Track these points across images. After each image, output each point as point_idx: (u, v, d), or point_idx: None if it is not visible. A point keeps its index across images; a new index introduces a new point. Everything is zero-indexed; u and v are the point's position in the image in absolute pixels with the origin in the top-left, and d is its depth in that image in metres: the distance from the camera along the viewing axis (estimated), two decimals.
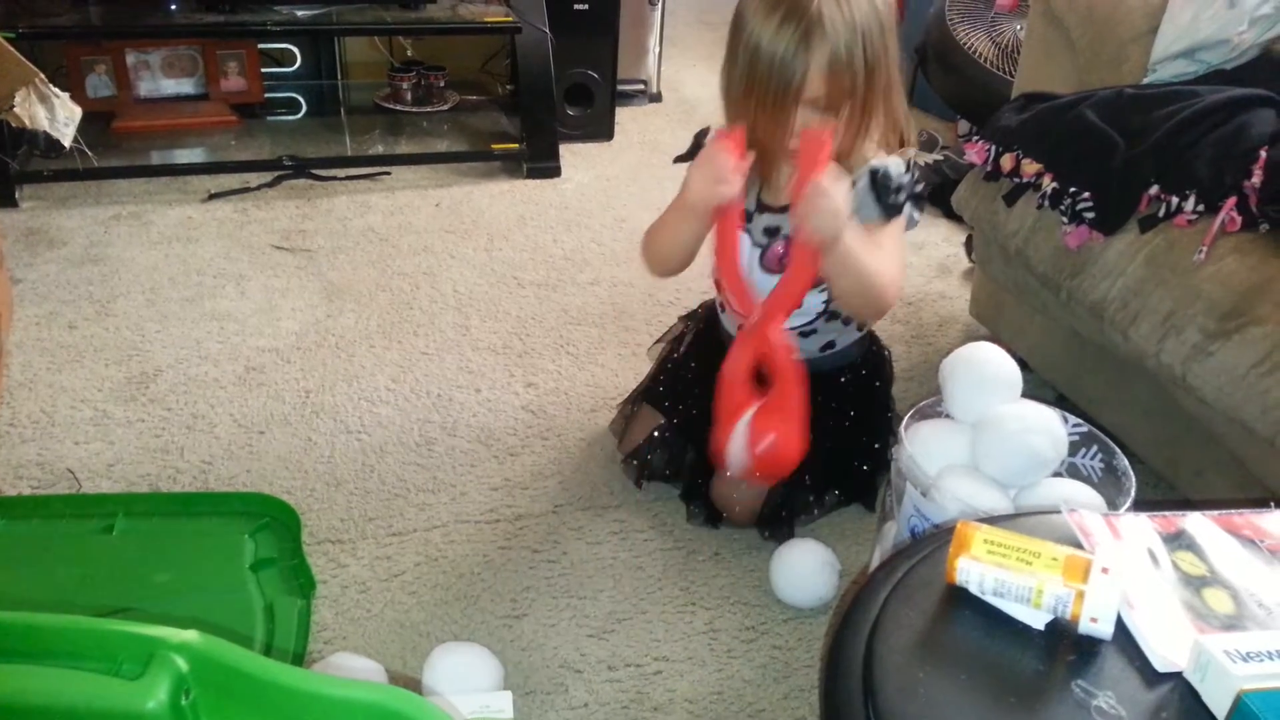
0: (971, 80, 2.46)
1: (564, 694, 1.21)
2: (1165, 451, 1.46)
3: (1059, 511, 0.83)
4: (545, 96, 2.51)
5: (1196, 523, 0.82)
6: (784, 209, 1.35)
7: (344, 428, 1.63)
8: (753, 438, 1.24)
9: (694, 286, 2.07)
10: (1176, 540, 0.80)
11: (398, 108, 2.78)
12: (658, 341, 1.67)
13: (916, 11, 2.80)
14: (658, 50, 3.01)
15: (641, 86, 3.02)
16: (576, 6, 2.60)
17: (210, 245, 2.14)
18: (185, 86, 2.66)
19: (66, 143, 1.42)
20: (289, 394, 1.70)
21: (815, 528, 1.46)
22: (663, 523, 1.48)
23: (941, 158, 2.43)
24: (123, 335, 1.83)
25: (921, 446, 1.20)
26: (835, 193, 1.15)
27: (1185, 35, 1.50)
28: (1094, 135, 1.42)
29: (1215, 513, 0.83)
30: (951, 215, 2.14)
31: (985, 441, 1.17)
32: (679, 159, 1.43)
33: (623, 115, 2.85)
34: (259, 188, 2.38)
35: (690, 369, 1.54)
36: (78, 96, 1.60)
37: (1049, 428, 1.15)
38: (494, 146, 2.57)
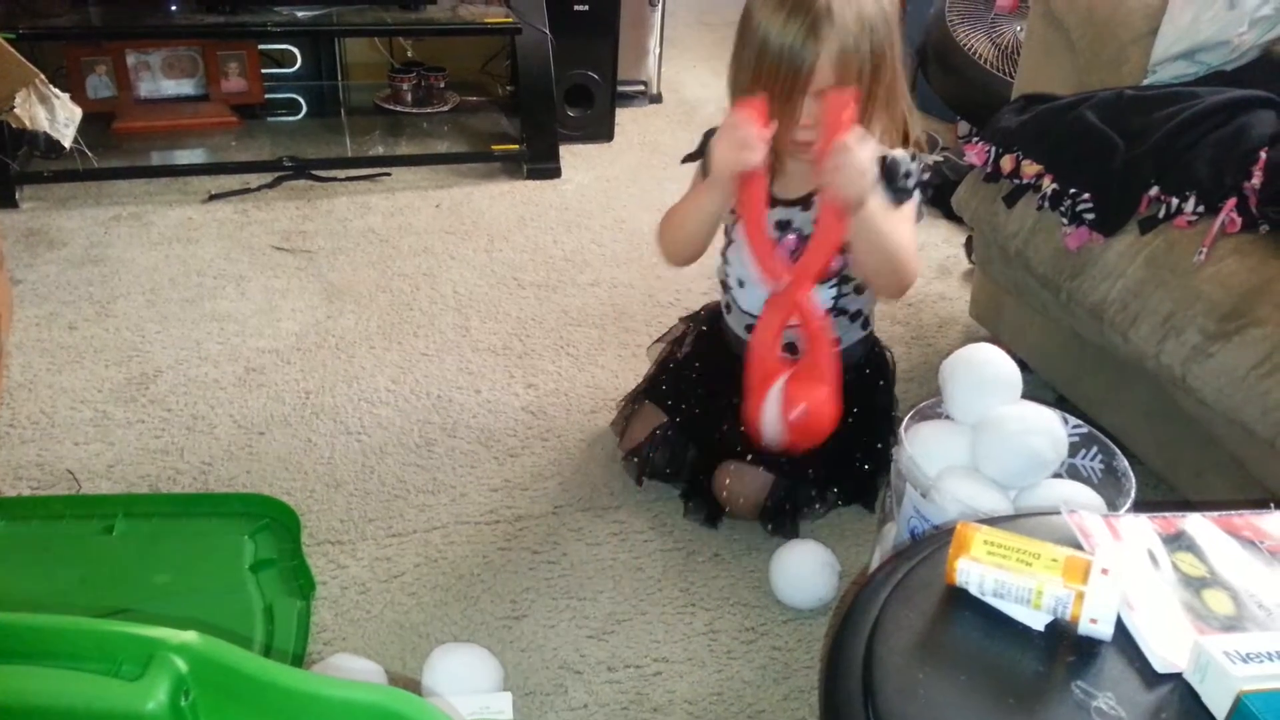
0: (971, 81, 2.46)
1: (563, 695, 1.21)
2: (1165, 453, 1.46)
3: (1059, 512, 0.83)
4: (545, 97, 2.52)
5: (1196, 524, 0.82)
6: (795, 202, 1.35)
7: (344, 429, 1.63)
8: (786, 405, 1.22)
9: (694, 287, 2.07)
10: (1176, 541, 0.80)
11: (398, 109, 2.78)
12: (658, 341, 1.67)
13: (916, 12, 2.80)
14: (658, 51, 3.01)
15: (642, 87, 3.02)
16: (576, 7, 2.60)
17: (210, 246, 2.14)
18: (185, 87, 2.66)
19: (67, 143, 1.42)
20: (289, 395, 1.70)
21: (815, 528, 1.46)
22: (662, 524, 1.47)
23: (941, 159, 2.43)
24: (123, 336, 1.83)
25: (921, 447, 1.20)
26: (861, 151, 1.14)
27: (1185, 37, 1.50)
28: (1094, 136, 1.42)
29: (1215, 514, 0.83)
30: (951, 216, 2.14)
31: (985, 443, 1.17)
32: (687, 158, 1.43)
33: (623, 116, 2.85)
34: (259, 189, 2.38)
35: (693, 369, 1.54)
36: (78, 97, 1.60)
37: (1049, 429, 1.15)
38: (494, 147, 2.57)
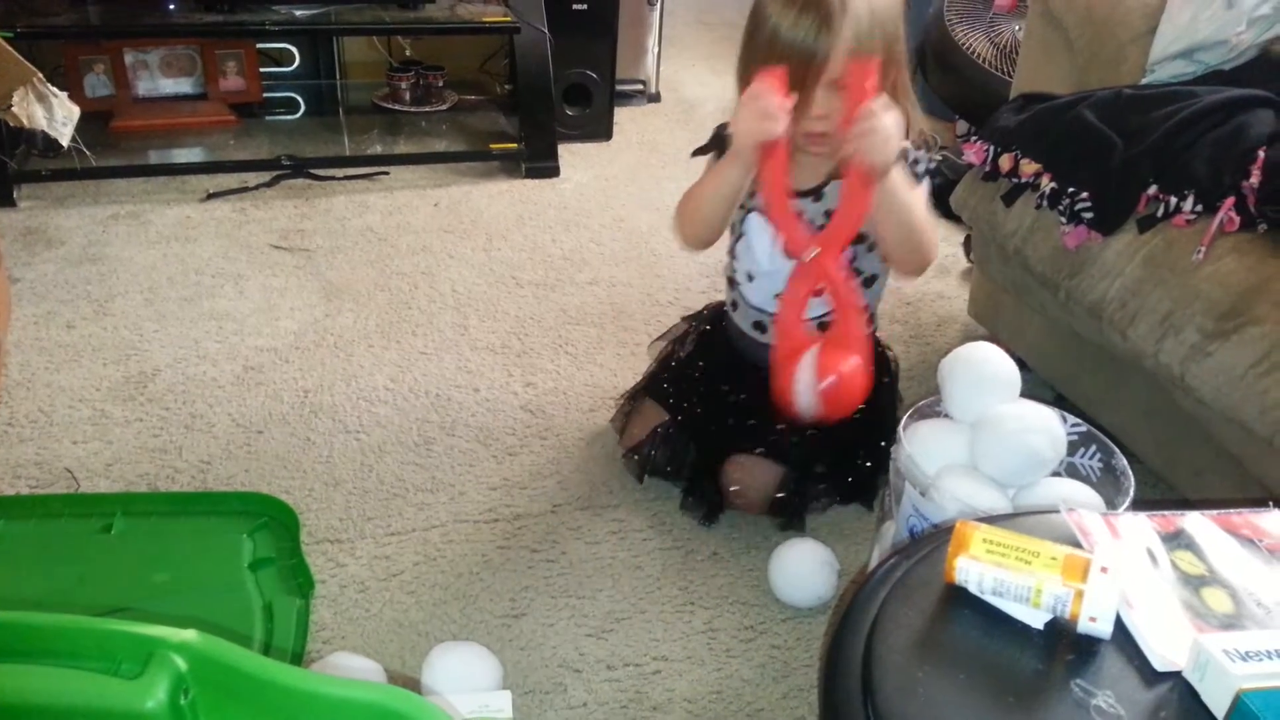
0: (970, 81, 2.46)
1: (563, 693, 1.21)
2: (1164, 451, 1.46)
3: (1058, 511, 0.83)
4: (544, 96, 2.51)
5: (1195, 522, 0.82)
6: (806, 194, 1.35)
7: (342, 427, 1.63)
8: (820, 375, 1.22)
9: (693, 286, 2.07)
10: (1175, 540, 0.80)
11: (396, 107, 2.78)
12: (659, 339, 1.67)
13: (916, 12, 2.80)
14: (656, 50, 3.01)
15: (640, 86, 3.02)
16: (575, 6, 2.59)
17: (209, 245, 2.14)
18: (184, 86, 2.66)
19: (65, 142, 1.42)
20: (287, 394, 1.70)
21: (815, 528, 1.46)
22: (661, 522, 1.48)
23: (940, 158, 2.43)
24: (121, 335, 1.83)
25: (920, 446, 1.20)
26: (888, 116, 1.15)
27: (1184, 36, 1.50)
28: (1092, 135, 1.42)
29: (1214, 512, 0.83)
30: (950, 215, 2.13)
31: (984, 441, 1.17)
32: (698, 151, 1.43)
33: (621, 115, 2.85)
34: (257, 187, 2.38)
35: (696, 368, 1.54)
36: (76, 96, 1.60)
37: (1048, 427, 1.15)
38: (492, 146, 2.57)
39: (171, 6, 2.37)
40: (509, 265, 2.14)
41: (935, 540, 0.81)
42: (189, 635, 0.67)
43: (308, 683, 0.67)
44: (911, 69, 2.86)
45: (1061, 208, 1.42)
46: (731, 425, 1.45)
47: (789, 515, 1.43)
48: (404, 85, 2.78)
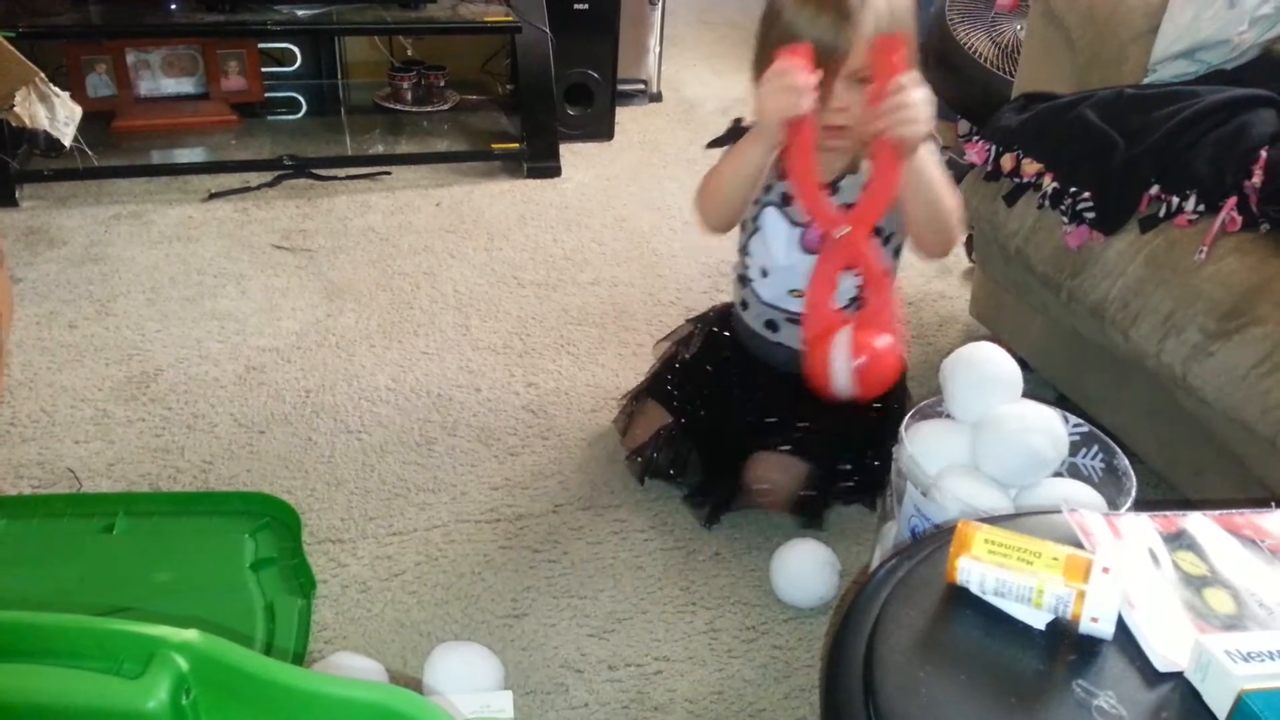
0: (971, 80, 2.46)
1: (564, 694, 1.21)
2: (1165, 451, 1.46)
3: (1059, 511, 0.83)
4: (545, 96, 2.51)
5: (1197, 522, 0.82)
6: (822, 187, 1.35)
7: (344, 427, 1.63)
8: (854, 353, 1.22)
9: (695, 286, 2.07)
10: (1177, 540, 0.80)
11: (398, 107, 2.78)
12: (663, 339, 1.67)
13: (918, 11, 2.80)
14: (658, 50, 3.01)
15: (642, 86, 3.02)
16: (576, 6, 2.59)
17: (211, 245, 2.14)
18: (185, 86, 2.66)
19: (67, 142, 1.42)
20: (289, 393, 1.70)
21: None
22: (663, 522, 1.48)
23: (944, 158, 2.43)
24: (123, 335, 1.83)
25: (922, 446, 1.20)
26: (918, 92, 1.14)
27: (1185, 35, 1.50)
28: (1094, 135, 1.42)
29: (1216, 512, 0.83)
30: None
31: (986, 441, 1.17)
32: (714, 143, 1.42)
33: (623, 115, 2.85)
34: (259, 187, 2.38)
35: (702, 370, 1.53)
36: (78, 96, 1.60)
37: (1049, 427, 1.15)
38: (494, 146, 2.57)
39: (173, 6, 2.37)
40: (511, 265, 2.14)
41: (937, 540, 0.81)
42: (190, 635, 0.67)
43: (309, 683, 0.67)
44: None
45: (1063, 207, 1.42)
46: (750, 423, 1.45)
47: (813, 513, 1.43)
48: (405, 85, 2.78)
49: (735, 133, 1.36)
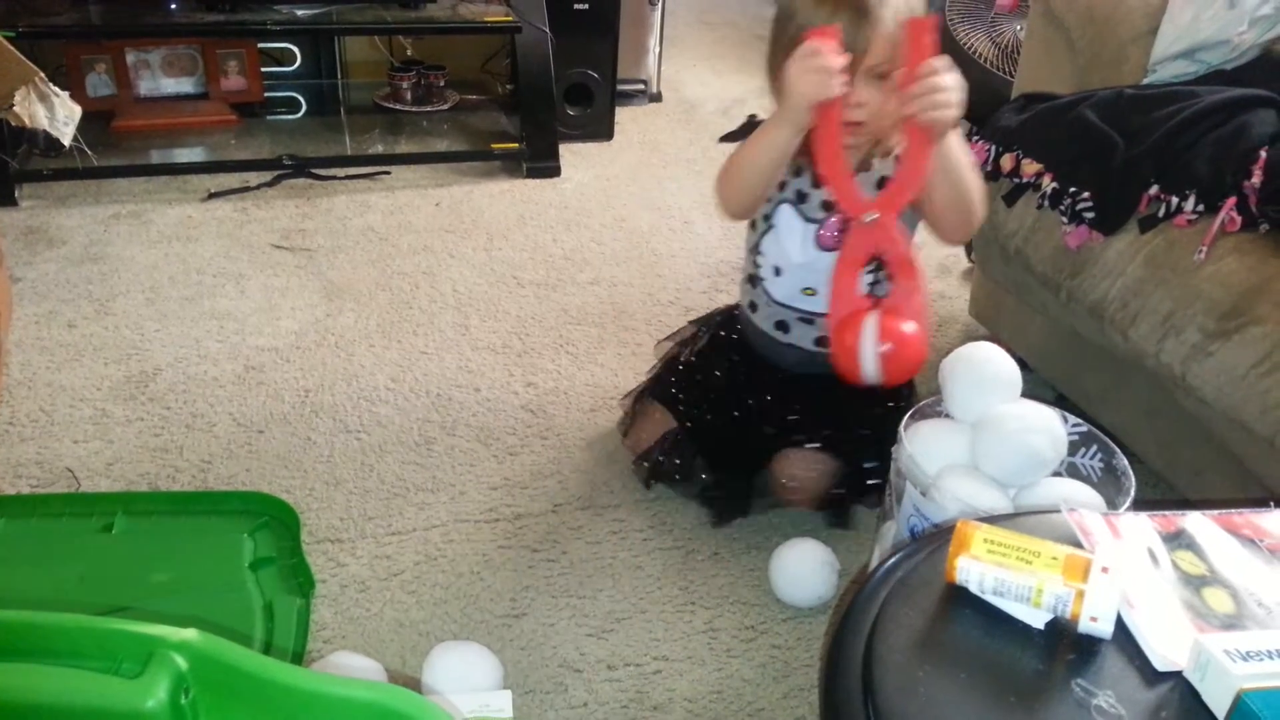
0: (971, 80, 2.45)
1: (563, 693, 1.21)
2: (1165, 451, 1.46)
3: (1059, 511, 0.83)
4: (545, 96, 2.51)
5: (1196, 522, 0.82)
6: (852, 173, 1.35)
7: (343, 427, 1.63)
8: (882, 338, 1.22)
9: (693, 286, 2.07)
10: (1176, 539, 0.80)
11: (398, 107, 2.78)
12: (666, 339, 1.66)
13: None
14: (658, 50, 3.01)
15: (641, 86, 3.02)
16: (576, 6, 2.59)
17: (210, 244, 2.14)
18: (185, 86, 2.66)
19: (66, 141, 1.42)
20: (288, 393, 1.70)
21: (814, 528, 1.46)
22: (662, 522, 1.47)
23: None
24: (122, 334, 1.83)
25: (921, 446, 1.20)
26: (949, 76, 1.14)
27: (1185, 35, 1.50)
28: (1094, 135, 1.42)
29: (1215, 512, 0.83)
30: None
31: (985, 441, 1.17)
32: (727, 137, 1.42)
33: (622, 115, 2.85)
34: (259, 187, 2.38)
35: (709, 374, 1.52)
36: (77, 95, 1.60)
37: (1049, 427, 1.15)
38: (494, 146, 2.57)
39: (173, 6, 2.37)
40: (510, 265, 2.14)
41: (936, 540, 0.81)
42: (189, 634, 0.67)
43: (308, 682, 0.67)
44: None
45: (1063, 208, 1.42)
46: (771, 422, 1.44)
47: (840, 512, 1.43)
48: (405, 85, 2.78)
49: (750, 128, 1.35)
